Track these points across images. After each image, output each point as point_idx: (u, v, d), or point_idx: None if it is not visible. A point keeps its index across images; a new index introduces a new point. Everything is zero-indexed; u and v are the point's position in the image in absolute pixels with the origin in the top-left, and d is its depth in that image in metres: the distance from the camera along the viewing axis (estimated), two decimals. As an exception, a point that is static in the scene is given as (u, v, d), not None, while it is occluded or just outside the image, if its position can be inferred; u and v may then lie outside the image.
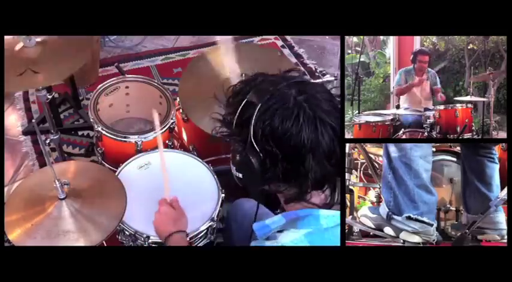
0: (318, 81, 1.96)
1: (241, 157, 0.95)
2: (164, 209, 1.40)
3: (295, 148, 0.91)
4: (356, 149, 1.68)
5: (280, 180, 0.96)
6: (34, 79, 1.58)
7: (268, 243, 0.98)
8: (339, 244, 1.00)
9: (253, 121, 0.91)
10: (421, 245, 1.38)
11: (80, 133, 2.47)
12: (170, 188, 1.45)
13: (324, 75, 2.54)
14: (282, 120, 0.90)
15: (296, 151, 0.91)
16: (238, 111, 0.94)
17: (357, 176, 1.69)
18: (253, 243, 1.02)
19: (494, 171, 1.45)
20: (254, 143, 0.92)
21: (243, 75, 1.82)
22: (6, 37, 1.60)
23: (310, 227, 0.98)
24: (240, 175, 1.00)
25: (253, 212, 1.34)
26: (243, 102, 0.94)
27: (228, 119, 0.98)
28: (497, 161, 1.46)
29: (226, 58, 1.95)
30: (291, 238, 0.96)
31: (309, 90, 0.94)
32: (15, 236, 1.27)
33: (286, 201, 1.01)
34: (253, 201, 1.56)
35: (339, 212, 1.01)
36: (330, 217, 0.99)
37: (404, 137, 1.80)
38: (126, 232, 1.52)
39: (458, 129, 1.81)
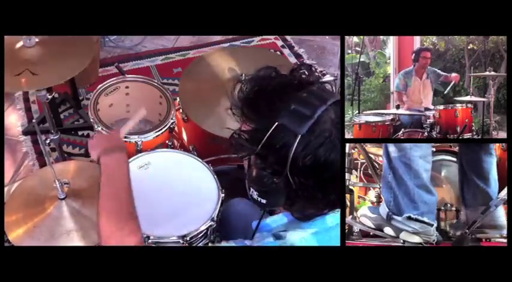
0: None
1: (268, 186, 0.89)
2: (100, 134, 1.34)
3: (331, 176, 0.87)
4: (356, 149, 1.68)
5: (305, 203, 0.93)
6: (32, 80, 1.58)
7: (278, 243, 0.97)
8: (340, 242, 1.00)
9: (292, 153, 0.84)
10: (421, 245, 1.38)
11: (80, 133, 2.47)
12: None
13: (324, 75, 2.54)
14: (325, 153, 0.85)
15: (331, 179, 0.88)
16: (268, 134, 0.85)
17: (357, 176, 1.69)
18: (259, 240, 0.99)
19: (492, 165, 1.45)
20: (289, 176, 0.86)
21: (243, 75, 1.82)
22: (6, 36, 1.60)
23: (317, 227, 0.97)
24: (264, 201, 0.93)
25: (249, 212, 1.34)
26: (274, 126, 0.85)
27: (250, 137, 0.90)
28: (494, 153, 1.46)
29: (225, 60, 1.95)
30: (299, 236, 0.96)
31: (337, 110, 0.89)
32: (15, 236, 1.27)
33: (295, 214, 0.99)
34: (247, 201, 1.56)
35: (339, 209, 1.01)
36: (334, 216, 0.99)
37: (404, 137, 1.80)
38: (126, 232, 1.52)
39: (458, 129, 1.81)
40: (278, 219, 1.01)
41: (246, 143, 0.90)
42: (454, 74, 2.07)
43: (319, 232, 0.97)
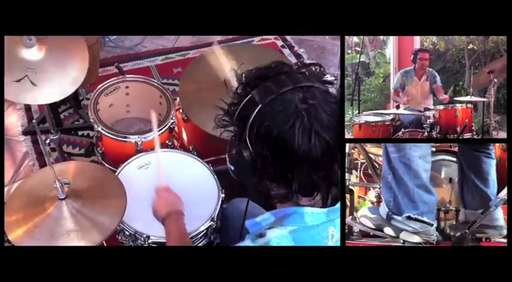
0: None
1: (235, 150, 0.97)
2: (162, 193, 1.42)
3: (286, 154, 0.91)
4: (356, 149, 1.68)
5: (269, 180, 0.98)
6: (31, 93, 1.57)
7: (259, 241, 0.98)
8: (324, 242, 1.00)
9: (250, 120, 0.92)
10: (421, 245, 1.38)
11: (80, 133, 2.47)
12: (163, 176, 1.47)
13: (324, 74, 2.54)
14: (279, 125, 0.90)
15: (286, 157, 0.92)
16: (241, 105, 0.95)
17: (357, 176, 1.69)
18: (245, 242, 1.02)
19: (491, 166, 1.46)
20: (248, 141, 0.93)
21: (243, 75, 1.81)
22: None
23: (295, 225, 0.98)
24: (232, 168, 1.01)
25: (249, 212, 1.33)
26: (247, 97, 0.94)
27: (232, 110, 0.98)
28: (493, 156, 1.47)
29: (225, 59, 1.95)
30: (277, 234, 0.97)
31: (315, 99, 0.93)
32: (15, 236, 1.27)
33: (278, 200, 1.03)
34: (242, 202, 1.56)
35: (324, 210, 1.01)
36: (314, 214, 0.99)
37: (404, 137, 1.80)
38: (126, 232, 1.52)
39: (458, 129, 1.81)
40: (267, 218, 1.04)
41: (227, 115, 0.99)
42: (444, 96, 2.08)
43: (297, 230, 0.97)
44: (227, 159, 1.01)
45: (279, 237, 0.96)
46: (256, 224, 1.04)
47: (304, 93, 0.93)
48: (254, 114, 0.92)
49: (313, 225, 0.99)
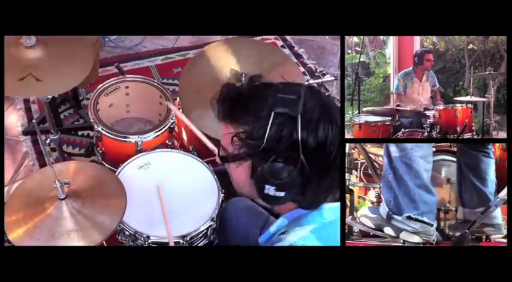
0: (317, 81, 1.96)
1: (286, 175, 0.89)
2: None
3: (333, 153, 0.90)
4: (356, 149, 1.68)
5: (316, 188, 0.94)
6: (36, 88, 1.57)
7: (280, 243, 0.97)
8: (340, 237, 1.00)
9: (299, 136, 0.87)
10: (421, 245, 1.38)
11: (80, 133, 2.47)
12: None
13: (324, 75, 2.54)
14: (324, 129, 0.88)
15: (334, 156, 0.91)
16: (270, 126, 0.88)
17: (357, 176, 1.69)
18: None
19: (490, 166, 1.46)
20: (303, 158, 0.87)
21: (243, 75, 1.82)
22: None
23: (315, 223, 0.98)
24: (282, 194, 0.92)
25: (250, 212, 1.33)
26: (272, 116, 0.88)
27: (249, 136, 0.91)
28: (492, 156, 1.47)
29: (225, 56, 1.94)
30: (298, 236, 0.96)
31: (319, 94, 0.94)
32: (15, 236, 1.27)
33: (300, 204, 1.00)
34: (247, 200, 1.56)
35: (338, 204, 1.01)
36: (332, 209, 1.00)
37: (404, 137, 1.80)
38: (126, 232, 1.52)
39: (458, 129, 1.81)
40: (279, 223, 1.02)
41: (250, 140, 0.91)
42: (438, 99, 2.10)
43: (318, 228, 0.97)
44: (270, 188, 0.92)
45: (302, 239, 0.96)
46: (271, 236, 1.03)
47: (310, 92, 0.93)
48: (298, 127, 0.87)
49: (331, 221, 0.99)
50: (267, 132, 0.88)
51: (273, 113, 0.88)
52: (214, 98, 0.99)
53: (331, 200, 1.00)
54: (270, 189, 0.92)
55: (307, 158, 0.88)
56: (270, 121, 0.88)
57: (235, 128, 0.95)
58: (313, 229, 0.97)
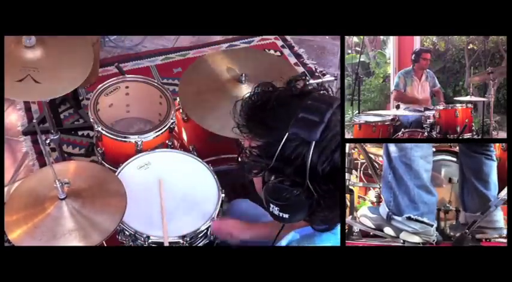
0: (318, 81, 1.96)
1: (290, 199, 0.87)
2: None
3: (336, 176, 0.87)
4: (356, 149, 1.68)
5: (326, 210, 0.91)
6: (35, 90, 1.57)
7: None
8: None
9: (309, 162, 0.83)
10: (421, 245, 1.38)
11: (80, 133, 2.47)
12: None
13: (324, 75, 2.54)
14: (338, 155, 0.84)
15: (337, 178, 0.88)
16: (281, 146, 0.84)
17: (357, 176, 1.69)
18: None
19: (492, 169, 1.45)
20: (310, 185, 0.84)
21: (243, 75, 1.82)
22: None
23: (329, 242, 0.97)
24: (286, 215, 0.90)
25: (252, 213, 1.33)
26: (286, 136, 0.84)
27: (260, 153, 0.88)
28: (494, 158, 1.46)
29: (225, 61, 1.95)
30: None
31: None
32: (15, 236, 1.27)
33: (314, 223, 0.97)
34: (249, 202, 1.56)
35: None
36: None
37: (404, 137, 1.80)
38: (126, 232, 1.52)
39: (458, 129, 1.81)
40: (290, 237, 0.99)
41: (259, 158, 0.88)
42: (441, 99, 2.10)
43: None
44: (275, 208, 0.90)
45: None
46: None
47: (337, 109, 0.88)
48: (310, 154, 0.82)
49: None
50: (277, 152, 0.85)
51: (287, 134, 0.84)
52: (240, 101, 0.94)
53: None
54: (274, 209, 0.91)
55: (319, 185, 0.85)
56: (283, 141, 0.84)
57: (249, 139, 0.92)
58: None
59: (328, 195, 0.86)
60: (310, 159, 0.83)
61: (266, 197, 0.91)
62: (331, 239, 0.97)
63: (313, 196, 0.86)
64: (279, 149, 0.84)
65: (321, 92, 0.94)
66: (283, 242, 1.00)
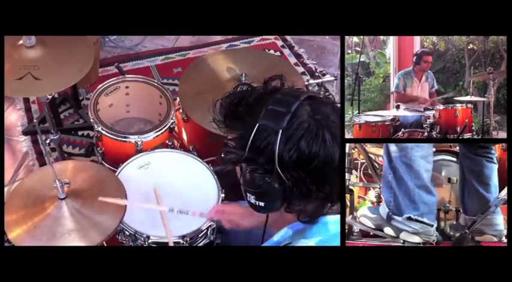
0: (318, 81, 1.95)
1: (263, 186, 0.91)
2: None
3: (322, 168, 0.89)
4: (356, 149, 1.68)
5: (302, 199, 0.93)
6: (35, 86, 1.57)
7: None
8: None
9: (277, 149, 0.87)
10: (421, 245, 1.38)
11: (80, 133, 2.47)
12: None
13: (324, 75, 2.54)
14: (308, 144, 0.87)
15: (322, 171, 0.89)
16: (252, 137, 0.89)
17: (357, 176, 1.69)
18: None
19: (493, 171, 1.45)
20: (280, 171, 0.88)
21: (243, 75, 1.82)
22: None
23: (320, 235, 0.97)
24: (262, 203, 0.94)
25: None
26: (256, 127, 0.89)
27: (236, 145, 0.93)
28: (495, 161, 1.46)
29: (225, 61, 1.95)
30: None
31: (321, 107, 0.92)
32: (15, 236, 1.27)
33: (300, 216, 0.98)
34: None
35: None
36: (337, 222, 0.99)
37: (404, 137, 1.80)
38: (126, 232, 1.52)
39: (458, 129, 1.81)
40: (283, 233, 1.01)
41: (234, 149, 0.93)
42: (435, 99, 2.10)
43: (323, 240, 0.97)
44: (251, 197, 0.94)
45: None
46: (274, 244, 1.02)
47: (311, 104, 0.91)
48: (277, 142, 0.87)
49: (336, 233, 0.99)
50: (249, 143, 0.89)
51: (257, 125, 0.89)
52: (220, 98, 0.99)
53: (333, 212, 0.99)
54: (250, 198, 0.95)
55: (288, 171, 0.88)
56: (253, 132, 0.89)
57: (226, 132, 0.97)
58: (319, 241, 0.97)
59: (299, 182, 0.89)
60: (277, 146, 0.87)
61: (243, 186, 0.95)
62: (321, 230, 0.98)
63: (284, 183, 0.89)
64: (250, 139, 0.89)
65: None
66: (276, 238, 1.01)
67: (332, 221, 0.98)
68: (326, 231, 0.98)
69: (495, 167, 1.45)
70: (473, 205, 1.45)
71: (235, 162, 0.95)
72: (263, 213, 1.00)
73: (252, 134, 0.89)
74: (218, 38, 3.16)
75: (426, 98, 2.11)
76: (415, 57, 2.10)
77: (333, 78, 2.08)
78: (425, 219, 1.38)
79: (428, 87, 2.12)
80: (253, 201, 0.95)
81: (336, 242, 0.98)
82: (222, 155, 0.96)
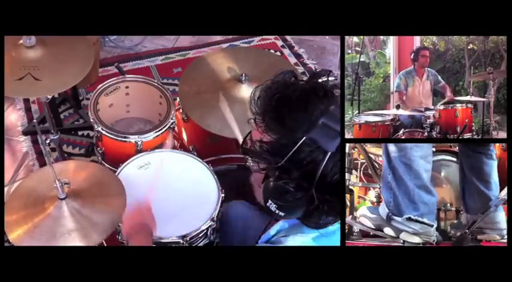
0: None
1: (291, 201, 0.87)
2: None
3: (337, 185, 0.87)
4: (356, 149, 1.68)
5: (322, 215, 0.92)
6: (35, 87, 1.57)
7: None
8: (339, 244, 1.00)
9: (320, 170, 0.82)
10: (421, 245, 1.38)
11: (80, 133, 2.47)
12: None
13: (335, 78, 2.53)
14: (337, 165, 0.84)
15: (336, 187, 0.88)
16: (296, 147, 0.82)
17: (357, 176, 1.69)
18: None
19: (493, 168, 1.45)
20: (314, 192, 0.84)
21: (243, 75, 1.82)
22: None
23: (317, 231, 0.97)
24: (282, 214, 0.90)
25: (248, 215, 1.33)
26: (303, 140, 0.82)
27: (277, 149, 0.85)
28: (495, 157, 1.46)
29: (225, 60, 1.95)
30: (299, 242, 0.96)
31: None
32: (15, 236, 1.27)
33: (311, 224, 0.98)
34: (246, 203, 1.56)
35: None
36: None
37: (404, 137, 1.80)
38: (126, 232, 1.52)
39: (458, 129, 1.81)
40: (279, 227, 1.01)
41: (268, 155, 0.86)
42: (449, 94, 2.09)
43: (320, 236, 0.97)
44: (273, 205, 0.90)
45: (303, 245, 0.96)
46: (270, 238, 1.02)
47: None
48: (324, 164, 0.81)
49: (334, 230, 0.99)
50: (290, 154, 0.83)
51: (304, 138, 0.82)
52: (259, 87, 0.90)
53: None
54: (271, 205, 0.90)
55: (323, 194, 0.85)
56: (298, 145, 0.82)
57: (262, 132, 0.89)
58: (315, 237, 0.97)
59: (329, 203, 0.87)
60: (322, 168, 0.82)
61: (267, 193, 0.90)
62: None
63: (313, 202, 0.86)
64: (293, 151, 0.82)
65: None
66: (272, 232, 1.01)
67: None
68: (324, 229, 0.98)
69: (495, 163, 1.45)
70: (475, 203, 1.45)
71: (265, 169, 0.89)
72: (274, 219, 0.97)
73: (297, 146, 0.82)
74: (218, 38, 3.16)
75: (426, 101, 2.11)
76: (412, 55, 2.10)
77: (333, 78, 2.08)
78: (425, 220, 1.38)
79: (431, 85, 2.11)
80: (273, 209, 0.90)
81: (333, 239, 0.98)
82: (250, 158, 0.90)
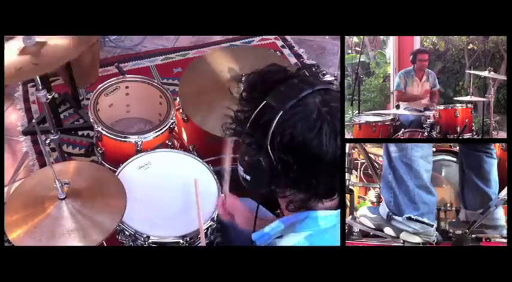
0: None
1: (252, 160, 0.92)
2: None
3: (312, 159, 0.89)
4: (356, 149, 1.68)
5: (289, 186, 0.94)
6: (31, 68, 1.55)
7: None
8: (338, 243, 1.00)
9: (272, 127, 0.88)
10: (421, 245, 1.38)
11: (80, 133, 2.48)
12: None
13: (324, 75, 2.54)
14: (304, 131, 0.87)
15: (312, 162, 0.89)
16: (256, 112, 0.91)
17: (357, 176, 1.69)
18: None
19: (493, 166, 1.45)
20: (270, 150, 0.89)
21: (243, 75, 1.82)
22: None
23: (310, 229, 0.97)
24: (248, 177, 0.96)
25: (249, 215, 1.33)
26: (262, 104, 0.90)
27: (242, 117, 0.94)
28: (495, 156, 1.46)
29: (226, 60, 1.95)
30: (292, 242, 0.96)
31: (333, 101, 0.92)
32: (15, 236, 1.27)
33: (288, 206, 0.99)
34: (247, 202, 1.56)
35: (336, 211, 1.00)
36: (328, 217, 0.99)
37: (404, 137, 1.80)
38: (126, 232, 1.52)
39: (458, 129, 1.81)
40: (275, 227, 1.02)
41: (238, 121, 0.95)
42: (435, 100, 2.10)
43: (312, 235, 0.97)
44: (240, 168, 0.97)
45: (296, 245, 0.96)
46: (265, 235, 1.03)
47: (323, 95, 0.91)
48: (275, 121, 0.88)
49: (326, 228, 0.98)
50: (252, 117, 0.91)
51: (264, 102, 0.90)
52: (249, 73, 1.00)
53: (325, 208, 1.00)
54: (240, 170, 0.97)
55: (278, 153, 0.89)
56: (258, 108, 0.90)
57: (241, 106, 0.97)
58: (308, 236, 0.97)
59: (287, 166, 0.90)
60: (274, 125, 0.88)
61: (238, 158, 0.98)
62: (310, 225, 0.98)
63: (273, 163, 0.90)
64: (253, 115, 0.91)
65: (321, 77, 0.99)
66: (267, 229, 1.02)
67: (322, 217, 0.98)
68: (316, 226, 0.98)
69: (494, 162, 1.45)
70: (474, 200, 1.45)
71: (235, 134, 0.97)
72: (251, 189, 1.00)
73: (257, 110, 0.90)
74: (218, 38, 3.16)
75: (427, 89, 2.11)
76: (411, 57, 2.10)
77: (333, 78, 2.08)
78: (425, 219, 1.38)
79: (430, 86, 2.12)
80: (241, 173, 0.97)
81: (326, 237, 0.98)
82: (223, 125, 0.97)
